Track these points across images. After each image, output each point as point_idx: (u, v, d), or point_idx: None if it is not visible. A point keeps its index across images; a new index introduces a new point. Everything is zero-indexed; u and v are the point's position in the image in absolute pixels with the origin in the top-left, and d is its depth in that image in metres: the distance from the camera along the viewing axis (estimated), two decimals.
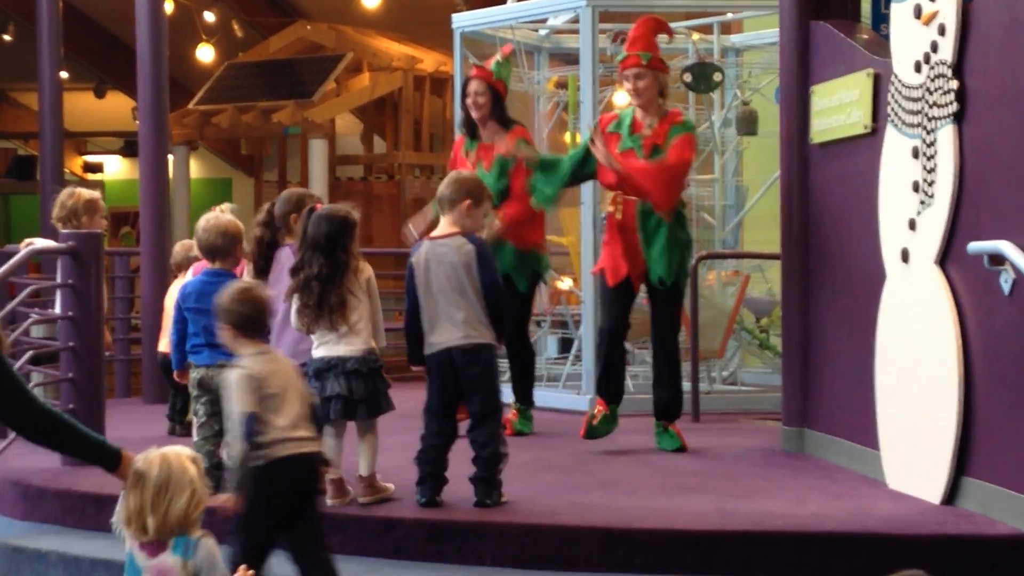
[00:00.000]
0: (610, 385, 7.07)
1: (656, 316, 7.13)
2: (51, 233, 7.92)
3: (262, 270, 6.10)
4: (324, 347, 5.63)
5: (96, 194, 7.38)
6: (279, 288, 6.07)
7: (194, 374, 5.89)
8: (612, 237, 7.05)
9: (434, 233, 5.84)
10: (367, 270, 5.73)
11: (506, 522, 5.42)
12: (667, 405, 7.11)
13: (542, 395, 8.80)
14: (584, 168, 7.08)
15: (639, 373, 9.29)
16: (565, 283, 9.45)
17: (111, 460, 4.10)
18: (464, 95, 7.57)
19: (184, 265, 7.15)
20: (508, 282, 7.20)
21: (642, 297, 9.15)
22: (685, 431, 7.22)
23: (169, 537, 3.85)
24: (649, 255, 6.94)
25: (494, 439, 5.64)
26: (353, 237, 5.66)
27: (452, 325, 5.65)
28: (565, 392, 8.96)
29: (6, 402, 4.06)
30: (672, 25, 9.75)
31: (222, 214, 6.25)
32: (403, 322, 5.92)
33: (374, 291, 5.75)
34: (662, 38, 7.46)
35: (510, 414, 7.62)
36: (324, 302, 5.56)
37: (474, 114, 7.50)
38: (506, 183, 7.43)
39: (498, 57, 7.67)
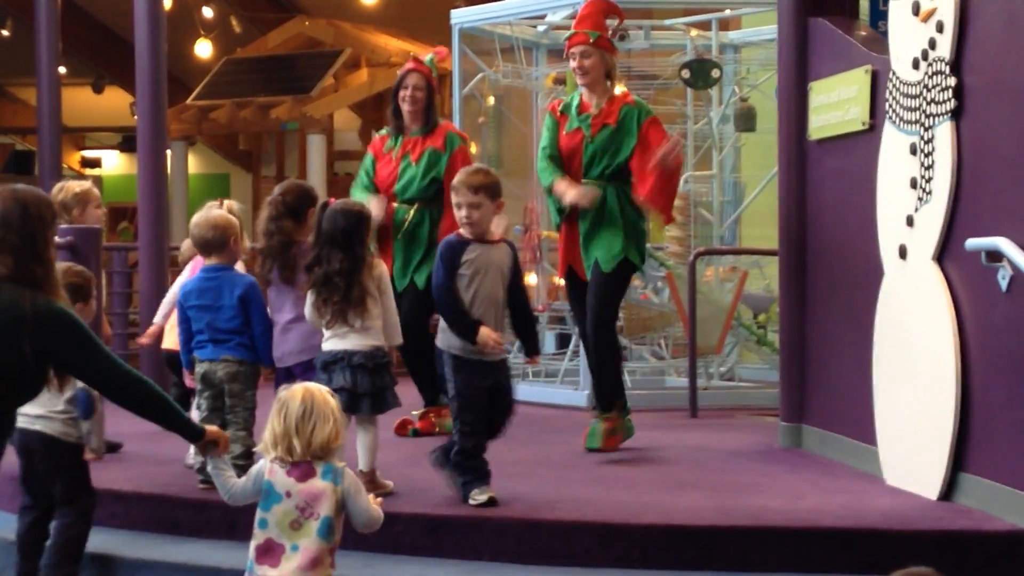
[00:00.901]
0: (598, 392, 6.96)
1: (589, 300, 6.80)
2: None
3: (290, 264, 5.95)
4: (334, 340, 5.63)
5: (86, 185, 7.26)
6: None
7: (198, 368, 5.90)
8: (562, 227, 6.96)
9: None
10: (380, 266, 5.73)
11: (504, 517, 5.42)
12: (596, 393, 6.94)
13: (540, 391, 8.83)
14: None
15: (636, 369, 9.31)
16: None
17: (195, 432, 4.46)
18: (400, 87, 7.43)
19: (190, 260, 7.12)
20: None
21: (640, 292, 9.20)
22: (683, 426, 7.23)
23: (314, 460, 4.20)
24: (592, 239, 6.79)
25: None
26: (368, 231, 5.67)
27: None
28: (563, 388, 8.97)
29: (102, 369, 4.34)
30: (670, 21, 9.83)
31: (212, 208, 6.21)
32: None
33: (386, 287, 5.74)
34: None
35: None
36: (347, 297, 5.56)
37: (408, 108, 7.37)
38: (436, 176, 7.31)
39: (432, 56, 7.61)
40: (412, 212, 7.32)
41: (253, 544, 4.23)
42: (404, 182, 7.33)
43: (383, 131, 7.66)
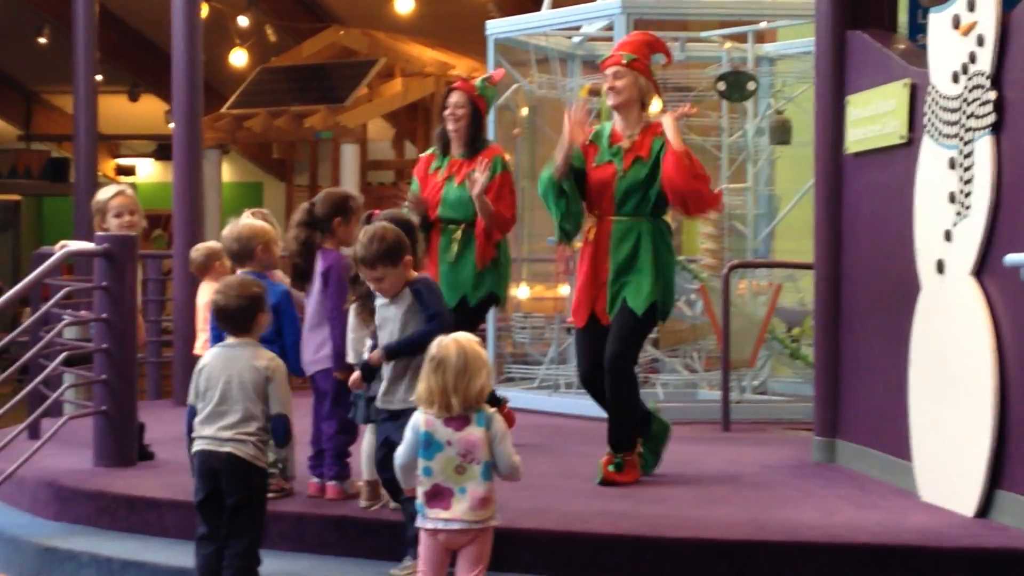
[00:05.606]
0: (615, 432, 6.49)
1: (610, 339, 6.32)
2: (85, 235, 7.93)
3: (302, 272, 6.01)
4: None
5: (108, 193, 6.92)
6: (316, 295, 6.02)
7: None
8: (580, 266, 6.53)
9: None
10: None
11: (536, 529, 5.40)
12: (611, 434, 6.47)
13: (572, 403, 8.80)
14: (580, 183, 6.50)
15: (668, 381, 9.28)
16: None
17: None
18: (443, 107, 7.20)
19: (204, 268, 7.10)
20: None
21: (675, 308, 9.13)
22: (716, 440, 7.20)
23: (469, 412, 4.48)
24: (621, 280, 6.35)
25: None
26: (416, 243, 5.59)
27: None
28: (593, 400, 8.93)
29: None
30: (706, 33, 9.81)
31: (239, 220, 6.21)
32: None
33: None
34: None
35: None
36: None
37: (450, 126, 7.10)
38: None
39: (487, 77, 7.40)
40: (459, 233, 7.11)
41: (420, 491, 4.53)
42: (449, 204, 7.13)
43: (429, 150, 7.41)
